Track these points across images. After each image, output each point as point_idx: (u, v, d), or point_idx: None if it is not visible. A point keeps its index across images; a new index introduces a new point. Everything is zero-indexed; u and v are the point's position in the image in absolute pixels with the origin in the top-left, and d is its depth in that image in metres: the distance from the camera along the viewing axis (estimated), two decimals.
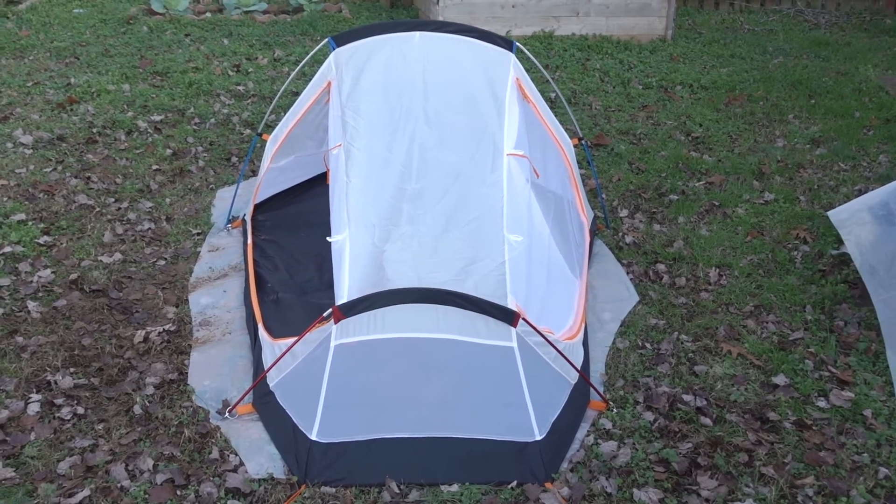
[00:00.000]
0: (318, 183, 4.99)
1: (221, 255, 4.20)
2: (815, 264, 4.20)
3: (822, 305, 3.81)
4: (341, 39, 4.06)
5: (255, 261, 4.02)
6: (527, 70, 4.11)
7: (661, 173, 5.37)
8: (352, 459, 2.73)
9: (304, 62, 4.39)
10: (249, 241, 4.18)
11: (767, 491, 2.65)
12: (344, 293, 3.12)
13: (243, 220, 4.50)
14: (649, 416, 3.01)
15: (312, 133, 4.69)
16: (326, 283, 3.91)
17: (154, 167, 5.19)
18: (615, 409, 3.05)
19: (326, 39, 4.09)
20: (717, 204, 4.94)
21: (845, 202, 4.82)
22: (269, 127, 4.95)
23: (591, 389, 3.11)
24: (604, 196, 4.84)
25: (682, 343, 3.50)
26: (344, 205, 3.49)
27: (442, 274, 3.20)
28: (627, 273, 4.09)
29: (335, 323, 2.88)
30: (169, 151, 5.42)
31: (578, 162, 4.55)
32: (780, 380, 3.23)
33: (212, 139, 5.68)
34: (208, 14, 8.81)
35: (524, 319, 2.93)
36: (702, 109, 6.64)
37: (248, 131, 5.85)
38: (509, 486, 2.66)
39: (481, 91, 3.96)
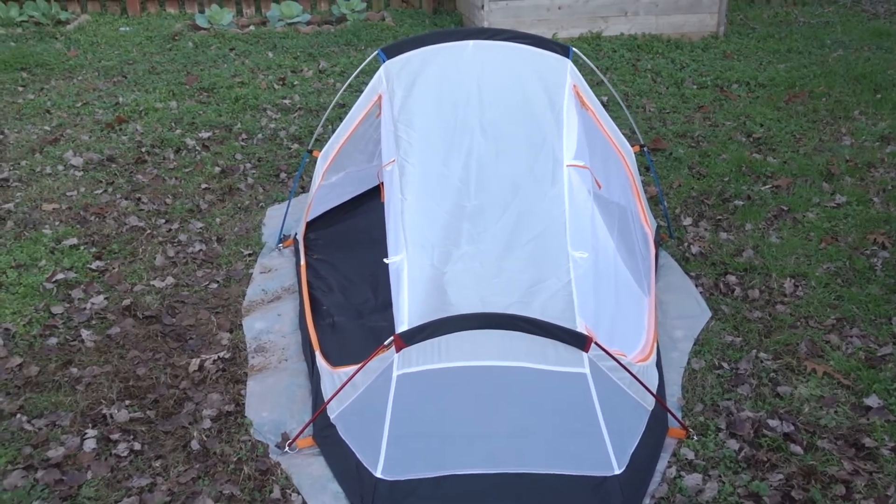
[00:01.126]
0: (370, 198, 4.88)
1: (274, 276, 4.10)
2: None
3: None
4: (391, 51, 3.94)
5: (308, 282, 3.91)
6: (584, 76, 3.93)
7: (723, 177, 5.14)
8: (420, 498, 2.58)
9: (353, 75, 4.25)
10: (302, 261, 4.07)
11: None
12: (404, 319, 2.99)
13: (295, 240, 4.40)
14: (734, 444, 2.81)
15: (363, 147, 4.58)
16: (382, 304, 3.80)
17: (203, 186, 5.13)
18: (696, 437, 2.86)
19: (376, 52, 3.97)
20: (785, 209, 4.70)
21: None
22: (319, 142, 4.85)
23: (670, 416, 2.92)
24: (666, 204, 4.64)
25: (761, 362, 3.29)
26: (400, 225, 3.36)
27: (506, 296, 3.04)
28: (696, 286, 3.89)
29: (397, 352, 2.74)
30: (217, 169, 5.36)
31: (638, 168, 4.36)
32: (872, 401, 3.00)
33: (260, 155, 5.61)
34: (252, 27, 8.78)
35: (596, 343, 2.76)
36: (761, 108, 6.38)
37: (295, 146, 5.77)
38: None
39: (538, 100, 3.81)
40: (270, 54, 7.92)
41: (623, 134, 4.12)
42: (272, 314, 3.76)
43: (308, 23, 8.98)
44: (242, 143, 5.80)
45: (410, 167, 3.54)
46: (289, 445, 2.88)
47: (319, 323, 3.58)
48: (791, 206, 4.73)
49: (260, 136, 5.93)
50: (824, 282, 3.90)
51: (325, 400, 2.96)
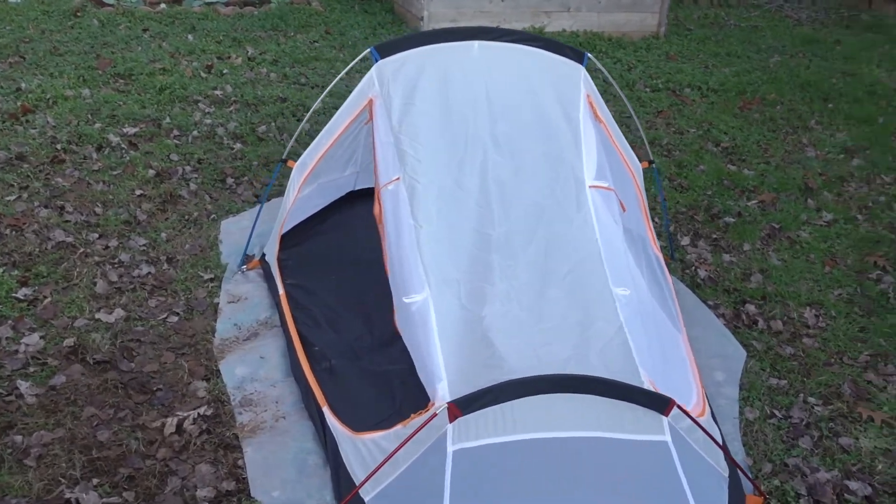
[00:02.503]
0: (338, 209, 4.35)
1: (245, 306, 3.52)
2: None
3: None
4: (385, 49, 3.45)
5: (292, 316, 3.37)
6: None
7: (706, 191, 4.92)
8: None
9: (341, 74, 3.71)
10: (281, 290, 3.51)
11: None
12: (441, 373, 2.54)
13: (263, 261, 3.82)
14: None
15: (339, 154, 4.05)
16: (379, 341, 3.33)
17: (137, 192, 4.44)
18: None
19: (368, 49, 3.46)
20: (777, 227, 4.51)
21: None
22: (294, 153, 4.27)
23: (745, 480, 2.60)
24: (671, 225, 4.36)
25: (812, 408, 3.04)
26: (417, 256, 2.90)
27: (558, 346, 2.63)
28: (717, 317, 3.61)
29: (451, 421, 2.28)
30: (151, 172, 4.66)
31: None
32: None
33: (199, 156, 4.94)
34: (164, 5, 7.93)
35: (678, 406, 2.40)
36: (720, 115, 6.23)
37: (238, 146, 5.13)
38: None
39: (553, 111, 3.42)
40: (190, 37, 7.14)
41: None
42: (253, 356, 3.20)
43: (227, 3, 8.21)
44: (176, 142, 5.10)
45: (422, 188, 3.08)
46: None
47: (315, 368, 3.06)
48: (782, 223, 4.54)
49: (195, 132, 5.24)
50: (843, 311, 3.70)
51: (353, 475, 2.47)
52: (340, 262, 3.86)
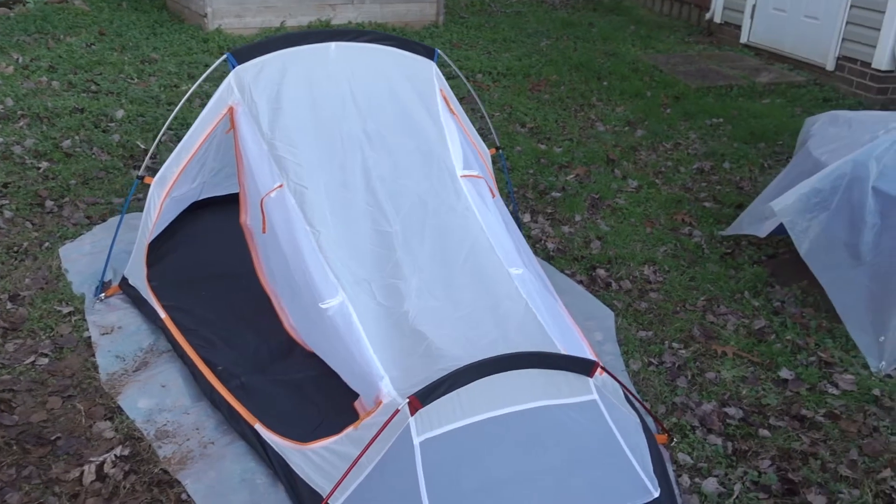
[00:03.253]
0: (184, 222, 4.14)
1: (121, 336, 3.30)
2: (717, 248, 4.44)
3: (754, 289, 4.02)
4: (242, 55, 3.39)
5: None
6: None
7: (528, 170, 5.31)
8: None
9: (198, 82, 3.55)
10: (162, 313, 3.33)
11: (860, 493, 2.71)
12: (380, 371, 2.62)
13: (122, 286, 3.59)
14: (715, 439, 2.93)
15: (191, 167, 3.87)
16: (278, 351, 3.29)
17: None
18: (675, 440, 2.93)
19: (224, 56, 3.37)
20: (597, 197, 5.00)
21: (691, 182, 5.20)
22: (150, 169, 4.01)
23: (652, 422, 2.95)
24: (517, 205, 4.66)
25: (677, 351, 3.48)
26: (321, 262, 2.92)
27: (482, 331, 2.79)
28: (578, 284, 3.97)
29: (412, 414, 2.37)
30: None
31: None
32: (785, 374, 3.34)
33: (2, 180, 4.46)
34: None
35: (601, 367, 2.67)
36: (516, 98, 6.70)
37: (45, 164, 4.69)
38: None
39: (415, 107, 3.56)
40: None
41: None
42: (152, 386, 3.03)
43: None
44: None
45: (311, 192, 3.10)
46: None
47: (229, 388, 2.97)
48: (599, 193, 5.04)
49: None
50: (672, 266, 4.23)
51: (315, 486, 2.48)
52: (206, 278, 3.72)
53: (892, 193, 3.63)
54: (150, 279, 3.46)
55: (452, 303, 2.90)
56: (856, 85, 7.06)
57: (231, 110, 3.39)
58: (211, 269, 3.78)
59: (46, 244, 3.90)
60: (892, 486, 2.75)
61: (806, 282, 4.06)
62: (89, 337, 3.28)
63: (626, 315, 3.73)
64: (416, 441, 2.37)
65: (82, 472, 2.58)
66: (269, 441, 2.69)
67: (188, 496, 2.53)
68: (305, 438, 2.68)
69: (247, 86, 3.34)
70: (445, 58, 3.78)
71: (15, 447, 2.69)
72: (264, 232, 3.23)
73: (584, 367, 2.65)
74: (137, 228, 4.05)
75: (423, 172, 3.37)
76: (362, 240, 3.07)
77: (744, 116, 6.60)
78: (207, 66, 6.54)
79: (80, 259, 3.77)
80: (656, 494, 2.56)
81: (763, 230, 4.15)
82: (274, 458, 2.65)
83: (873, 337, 3.54)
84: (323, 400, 2.97)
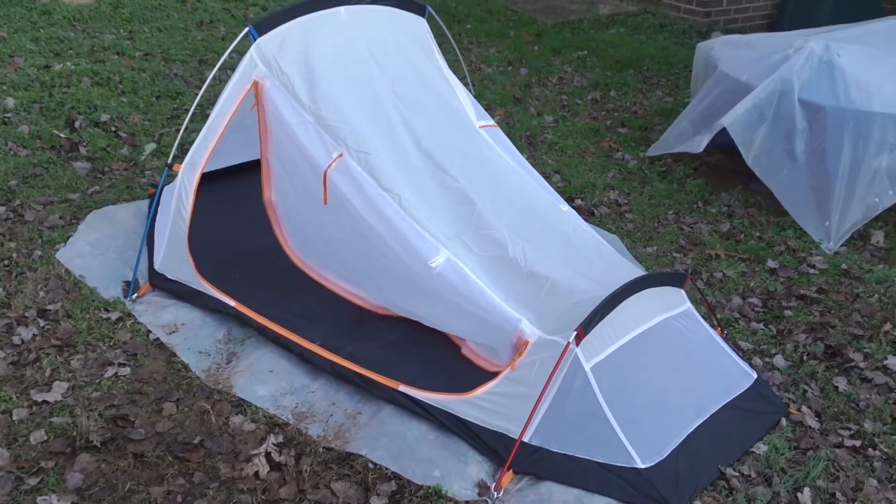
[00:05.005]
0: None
1: (191, 332, 3.17)
2: (654, 168, 4.99)
3: (704, 199, 4.62)
4: (263, 26, 3.32)
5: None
6: None
7: None
8: (691, 455, 2.62)
9: (224, 57, 3.38)
10: (232, 303, 3.22)
11: (877, 345, 3.37)
12: (514, 314, 2.82)
13: (154, 282, 3.40)
14: (755, 325, 3.47)
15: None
16: (353, 319, 3.33)
17: None
18: (726, 332, 3.42)
19: (247, 29, 3.26)
20: (528, 134, 5.35)
21: (594, 112, 5.74)
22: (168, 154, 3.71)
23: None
24: None
25: (682, 260, 3.96)
26: (411, 224, 3.02)
27: (585, 265, 3.06)
28: None
29: (577, 345, 2.62)
30: None
31: None
32: (772, 264, 3.95)
33: None
34: None
35: (689, 278, 3.07)
36: None
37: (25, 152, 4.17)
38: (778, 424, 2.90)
39: (424, 64, 3.70)
40: None
41: None
42: (259, 374, 2.99)
43: None
44: None
45: (375, 158, 3.17)
46: (496, 490, 2.54)
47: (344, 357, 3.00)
48: (529, 131, 5.39)
49: None
50: (629, 188, 4.71)
51: (501, 429, 2.66)
52: (247, 256, 3.59)
53: (814, 102, 4.32)
54: (199, 269, 3.31)
55: (543, 243, 3.12)
56: (683, 10, 7.94)
57: (256, 85, 3.30)
58: (247, 246, 3.66)
59: (37, 253, 3.54)
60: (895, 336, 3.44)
61: (741, 186, 4.73)
62: (157, 339, 3.12)
63: (622, 235, 4.15)
64: (587, 367, 2.64)
65: (257, 465, 2.55)
66: (423, 399, 2.80)
67: (374, 464, 2.61)
68: (449, 388, 2.83)
69: (272, 58, 3.27)
70: (435, 16, 3.88)
71: (169, 458, 2.58)
72: (325, 204, 3.23)
73: (679, 280, 3.03)
74: (116, 222, 3.83)
75: (454, 127, 3.52)
76: (435, 198, 3.17)
77: (602, 47, 7.21)
78: (64, 39, 5.96)
79: (85, 262, 3.49)
80: (755, 376, 3.03)
81: (699, 146, 4.72)
82: (437, 413, 2.77)
83: (820, 223, 4.27)
84: (435, 353, 3.10)
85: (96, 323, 3.16)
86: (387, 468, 2.60)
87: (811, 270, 3.92)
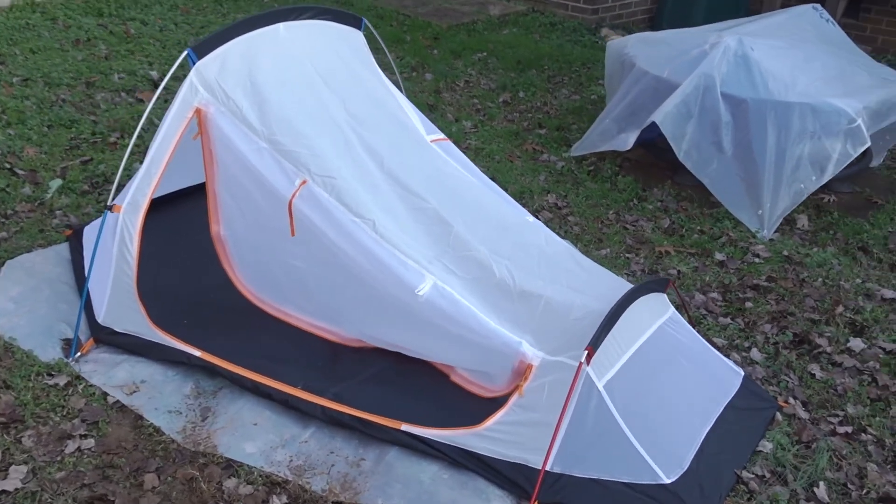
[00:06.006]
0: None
1: (154, 391, 2.87)
2: (583, 168, 5.01)
3: (637, 196, 4.68)
4: (202, 49, 3.06)
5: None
6: None
7: None
8: (709, 474, 2.59)
9: (163, 83, 3.07)
10: (197, 353, 2.94)
11: (835, 328, 3.50)
12: (511, 337, 2.73)
13: (98, 337, 3.07)
14: (724, 320, 3.53)
15: None
16: (326, 356, 3.13)
17: None
18: (697, 328, 3.46)
19: (185, 52, 3.00)
20: (454, 141, 5.22)
21: (508, 114, 5.74)
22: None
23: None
24: None
25: (635, 260, 3.99)
26: (389, 250, 2.87)
27: (561, 278, 2.99)
28: None
29: (588, 364, 2.56)
30: None
31: None
32: (719, 256, 4.04)
33: None
34: None
35: (671, 283, 3.07)
36: None
37: None
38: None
39: (368, 78, 3.57)
40: None
41: None
42: (242, 427, 2.73)
43: None
44: None
45: (342, 182, 3.00)
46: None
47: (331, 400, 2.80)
48: (452, 137, 5.27)
49: None
50: (565, 190, 4.70)
51: (521, 460, 2.55)
52: (199, 295, 3.31)
53: (735, 95, 4.46)
54: (153, 318, 3.01)
55: (523, 258, 3.03)
56: (571, 8, 8.07)
57: (199, 112, 3.05)
58: (197, 285, 3.37)
59: None
60: (848, 316, 3.58)
61: (669, 181, 4.83)
62: (116, 402, 2.80)
63: (572, 239, 4.14)
64: (600, 386, 2.57)
65: None
66: (431, 437, 2.65)
67: None
68: (453, 422, 2.70)
69: (214, 82, 3.03)
70: (373, 30, 3.72)
71: None
72: (293, 235, 3.02)
73: (663, 285, 3.03)
74: (36, 272, 3.45)
75: (409, 144, 3.40)
76: (408, 221, 3.03)
77: (500, 48, 7.22)
78: None
79: (11, 321, 3.10)
80: (742, 373, 3.07)
81: (625, 144, 4.78)
82: (447, 450, 2.63)
83: (753, 212, 4.41)
84: (424, 384, 2.96)
85: (42, 391, 2.81)
86: None
87: (756, 259, 4.04)
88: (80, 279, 3.37)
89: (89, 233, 3.60)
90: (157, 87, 5.63)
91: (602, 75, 6.69)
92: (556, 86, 6.51)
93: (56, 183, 4.14)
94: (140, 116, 5.09)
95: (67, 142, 4.68)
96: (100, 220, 3.61)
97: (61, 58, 5.93)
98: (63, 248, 3.63)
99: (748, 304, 3.64)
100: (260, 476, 2.56)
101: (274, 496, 2.47)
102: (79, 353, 3.01)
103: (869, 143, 4.31)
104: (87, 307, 3.14)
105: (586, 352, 2.52)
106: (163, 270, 3.41)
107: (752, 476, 2.65)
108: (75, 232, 3.71)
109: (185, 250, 3.58)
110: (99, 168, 4.39)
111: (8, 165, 4.28)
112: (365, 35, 3.63)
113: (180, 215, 3.77)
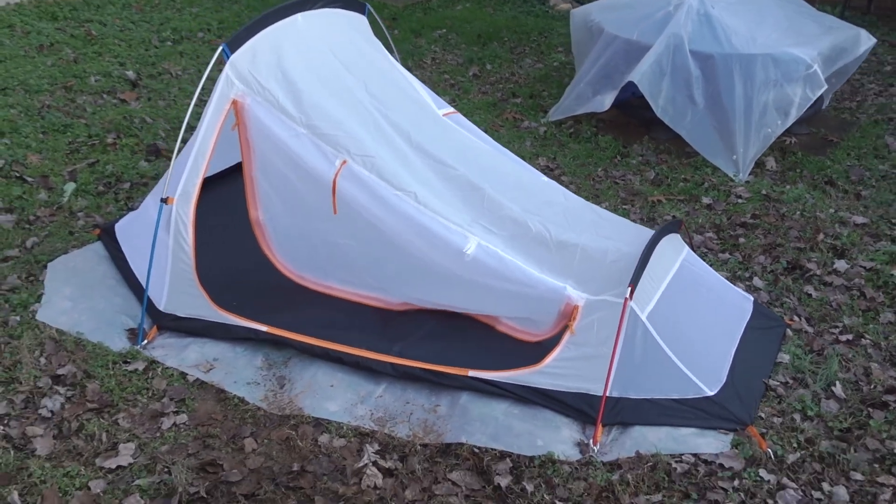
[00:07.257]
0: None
1: (228, 367, 3.07)
2: (563, 131, 5.32)
3: (619, 152, 5.02)
4: (234, 43, 3.24)
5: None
6: None
7: None
8: (744, 384, 2.94)
9: (202, 80, 3.22)
10: (264, 328, 3.14)
11: (820, 255, 3.90)
12: (556, 284, 3.00)
13: (161, 324, 3.24)
14: (724, 256, 3.88)
15: None
16: (381, 319, 3.34)
17: None
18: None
19: (221, 48, 3.18)
20: None
21: (481, 86, 6.01)
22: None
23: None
24: None
25: (634, 210, 4.32)
26: (432, 218, 3.11)
27: (595, 226, 3.28)
28: None
29: (630, 299, 2.86)
30: None
31: None
32: (706, 200, 4.41)
33: None
34: None
35: (682, 223, 3.40)
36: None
37: None
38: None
39: (379, 61, 3.78)
40: None
41: None
42: (321, 390, 2.96)
43: None
44: None
45: (380, 160, 3.22)
46: (594, 444, 2.73)
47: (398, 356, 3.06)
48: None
49: None
50: (553, 153, 5.00)
51: (582, 390, 2.85)
52: (248, 275, 3.49)
53: (703, 51, 4.81)
54: (216, 301, 3.19)
55: (551, 214, 3.31)
56: None
57: (236, 104, 3.22)
58: (246, 265, 3.53)
59: (14, 319, 3.23)
60: (829, 242, 3.98)
61: (646, 137, 5.18)
62: (196, 380, 2.99)
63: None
64: (643, 317, 2.88)
65: (370, 478, 2.57)
66: (497, 379, 2.92)
67: (478, 448, 2.71)
68: (513, 364, 2.98)
69: (248, 74, 3.21)
70: (375, 15, 3.92)
71: (282, 490, 2.53)
72: (335, 213, 3.23)
73: (677, 226, 3.35)
74: (81, 271, 3.59)
75: (427, 119, 3.62)
76: (443, 189, 3.26)
77: (458, 23, 7.46)
78: None
79: (73, 318, 3.24)
80: (752, 299, 3.43)
81: (602, 105, 5.09)
82: (514, 389, 2.90)
83: (728, 158, 4.79)
84: (475, 335, 3.22)
85: (124, 377, 2.98)
86: (493, 448, 2.71)
87: (739, 200, 4.42)
88: (127, 273, 3.51)
89: (122, 229, 3.74)
90: (135, 86, 5.70)
91: (560, 43, 7.05)
92: (519, 56, 6.78)
93: (70, 186, 4.24)
94: (130, 116, 5.17)
95: (66, 146, 4.74)
96: (129, 214, 3.79)
97: (31, 65, 5.91)
98: (97, 247, 3.75)
99: (741, 240, 4.01)
100: (349, 429, 2.79)
101: (367, 444, 2.71)
102: (145, 341, 3.18)
103: (826, 87, 4.72)
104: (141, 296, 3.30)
105: (629, 289, 2.82)
106: (216, 253, 3.56)
107: (778, 383, 3.00)
108: (105, 230, 3.83)
109: (219, 235, 3.73)
110: (107, 169, 4.48)
111: (16, 174, 4.35)
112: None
113: (224, 197, 3.90)
